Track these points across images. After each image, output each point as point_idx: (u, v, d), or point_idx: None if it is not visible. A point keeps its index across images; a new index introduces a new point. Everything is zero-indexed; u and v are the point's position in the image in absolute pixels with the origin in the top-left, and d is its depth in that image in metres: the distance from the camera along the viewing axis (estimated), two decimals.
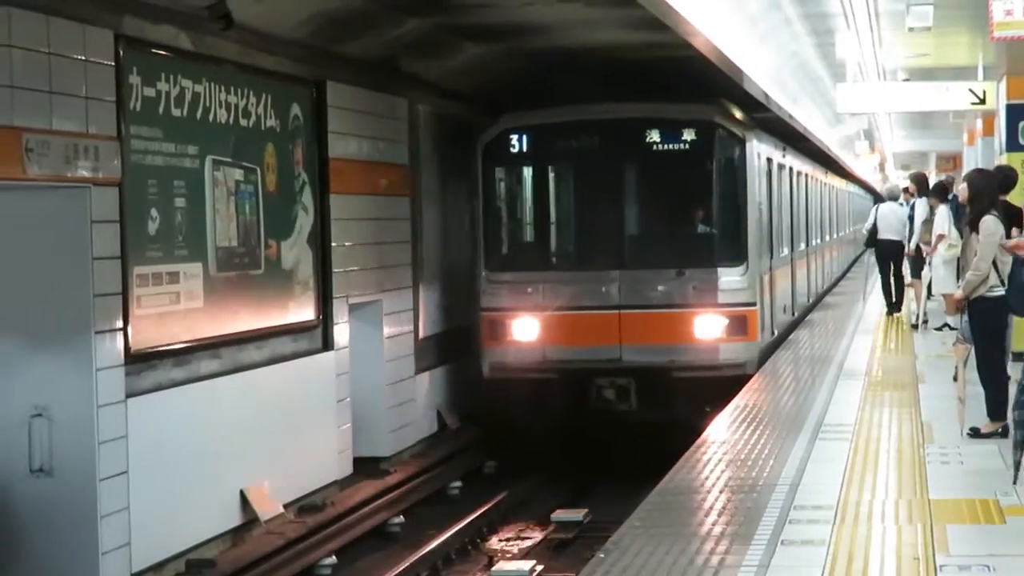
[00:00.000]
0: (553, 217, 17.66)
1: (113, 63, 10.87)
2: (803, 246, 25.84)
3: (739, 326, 16.00)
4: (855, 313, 25.98)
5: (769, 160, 18.78)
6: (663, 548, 8.41)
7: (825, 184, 33.19)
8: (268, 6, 12.49)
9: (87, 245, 10.46)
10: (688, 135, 16.16)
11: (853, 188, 45.26)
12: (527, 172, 17.67)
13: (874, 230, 22.20)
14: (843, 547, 8.79)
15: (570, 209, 17.63)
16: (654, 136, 16.20)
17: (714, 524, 9.14)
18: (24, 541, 10.48)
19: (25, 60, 9.88)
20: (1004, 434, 11.00)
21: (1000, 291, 10.91)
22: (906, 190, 22.28)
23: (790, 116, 21.19)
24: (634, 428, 16.24)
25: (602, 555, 8.35)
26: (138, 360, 11.12)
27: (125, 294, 10.94)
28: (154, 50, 11.63)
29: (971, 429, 11.61)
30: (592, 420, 16.32)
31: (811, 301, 27.27)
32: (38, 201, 10.41)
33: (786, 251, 21.89)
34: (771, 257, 18.77)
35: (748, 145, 16.27)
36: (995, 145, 19.62)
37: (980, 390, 11.83)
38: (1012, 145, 17.40)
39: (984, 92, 19.41)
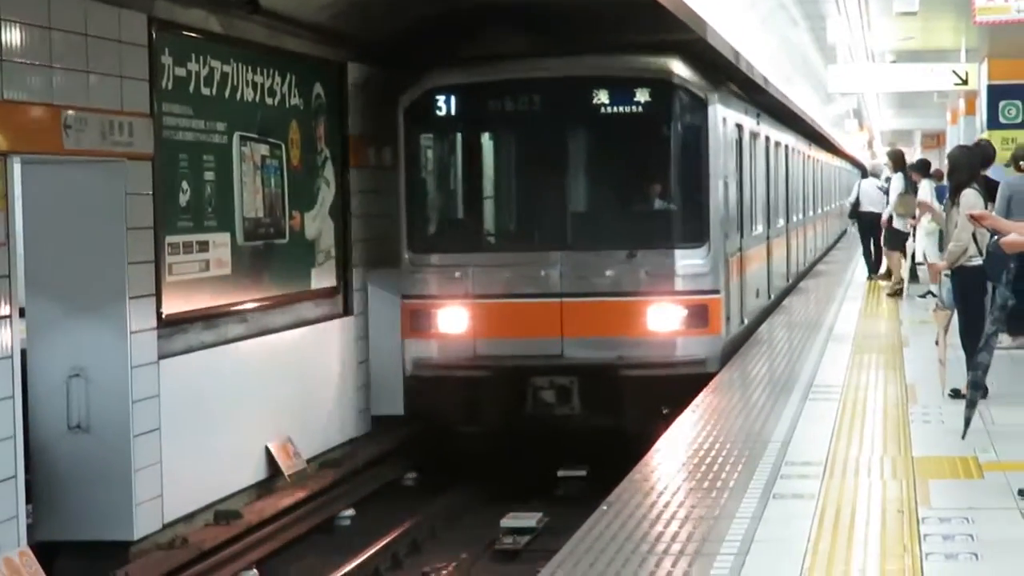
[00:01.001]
0: (485, 191, 14.50)
1: (146, 45, 10.91)
2: (782, 222, 22.59)
3: (699, 317, 13.05)
4: (844, 280, 26.01)
5: (739, 127, 15.90)
6: (663, 500, 8.38)
7: (810, 157, 30.18)
8: None
9: (122, 216, 10.50)
10: (641, 95, 13.02)
11: (839, 163, 43.68)
12: (455, 139, 14.38)
13: (857, 203, 22.77)
14: (831, 500, 8.76)
15: (505, 182, 14.59)
16: (602, 97, 13.10)
17: (710, 479, 9.04)
18: (64, 493, 10.54)
19: (64, 41, 9.90)
20: (984, 394, 11.04)
21: (978, 261, 10.91)
22: None
23: (765, 80, 18.25)
24: (578, 435, 13.52)
25: (604, 507, 8.22)
26: (169, 324, 11.15)
27: (157, 262, 11.00)
28: (185, 32, 11.66)
29: (952, 390, 11.65)
30: (529, 425, 13.37)
31: (791, 281, 23.91)
32: (76, 174, 10.41)
33: (761, 228, 18.90)
34: (741, 236, 15.98)
35: (711, 108, 13.23)
36: (976, 123, 20.12)
37: (961, 354, 11.83)
38: (993, 123, 18.29)
39: (967, 73, 19.84)
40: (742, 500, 8.37)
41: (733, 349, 14.30)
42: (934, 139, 28.55)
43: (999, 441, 10.25)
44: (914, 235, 19.12)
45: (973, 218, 8.22)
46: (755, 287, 17.45)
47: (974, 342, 10.12)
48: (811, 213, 30.05)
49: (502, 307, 13.10)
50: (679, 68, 13.13)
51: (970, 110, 22.29)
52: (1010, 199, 12.20)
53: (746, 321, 15.84)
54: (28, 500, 10.00)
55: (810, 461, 9.72)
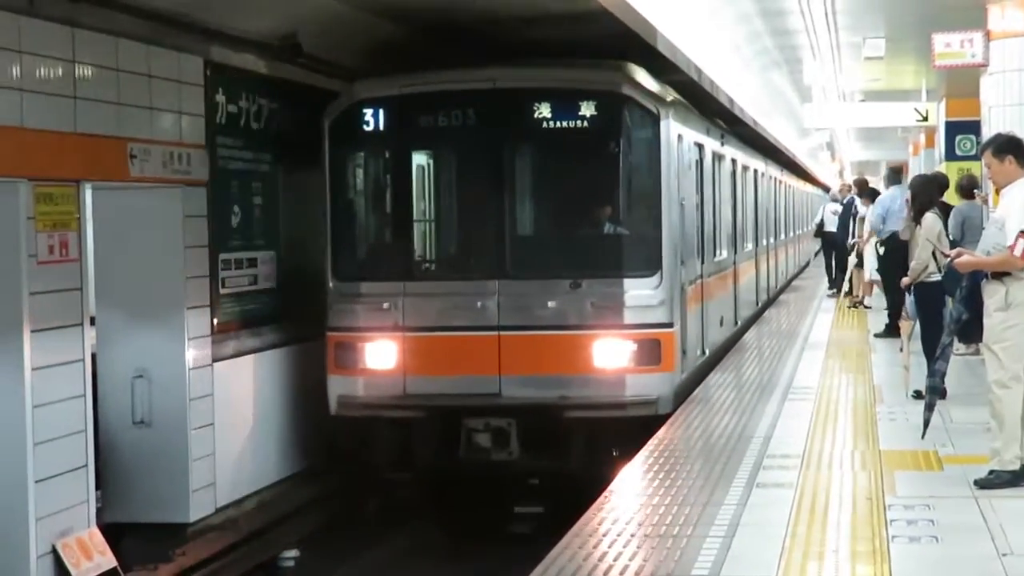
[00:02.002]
0: (416, 214, 12.15)
1: (202, 84, 11.15)
2: (751, 246, 20.26)
3: (651, 352, 10.91)
4: (819, 294, 26.04)
5: (700, 147, 13.80)
6: (662, 488, 8.34)
7: (782, 182, 27.95)
8: (330, 38, 12.46)
9: (180, 236, 10.72)
10: (587, 109, 10.94)
11: (811, 189, 42.96)
12: (384, 157, 11.94)
13: (821, 224, 23.37)
14: (808, 489, 8.81)
15: (438, 203, 12.35)
16: (544, 110, 10.98)
17: (700, 469, 9.04)
18: (128, 480, 10.79)
19: (131, 82, 10.17)
20: (942, 396, 11.19)
21: (937, 277, 11.12)
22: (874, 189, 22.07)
23: (731, 101, 16.30)
24: (518, 482, 11.80)
25: (607, 495, 8.23)
26: (222, 331, 11.31)
27: (212, 276, 11.18)
28: (236, 74, 11.81)
29: (914, 391, 11.66)
30: (465, 471, 11.41)
31: (761, 306, 21.70)
32: (140, 199, 10.67)
33: (726, 253, 16.70)
34: (703, 262, 13.90)
35: (664, 124, 11.08)
36: (935, 155, 20.55)
37: (923, 359, 11.83)
38: (950, 155, 18.76)
39: (927, 111, 20.43)
40: (729, 488, 8.41)
41: (693, 384, 12.38)
42: (898, 169, 29.13)
43: (956, 437, 10.34)
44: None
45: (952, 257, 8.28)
46: (719, 315, 15.43)
47: (933, 349, 10.30)
48: (783, 236, 28.11)
49: (434, 341, 11.04)
50: (628, 79, 11.19)
51: (930, 143, 23.21)
52: (963, 223, 12.54)
53: (707, 352, 13.85)
54: (97, 486, 10.16)
55: (789, 454, 9.75)
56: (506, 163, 11.37)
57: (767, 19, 13.88)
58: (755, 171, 20.83)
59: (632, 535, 7.17)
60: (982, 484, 8.45)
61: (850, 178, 35.71)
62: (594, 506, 7.30)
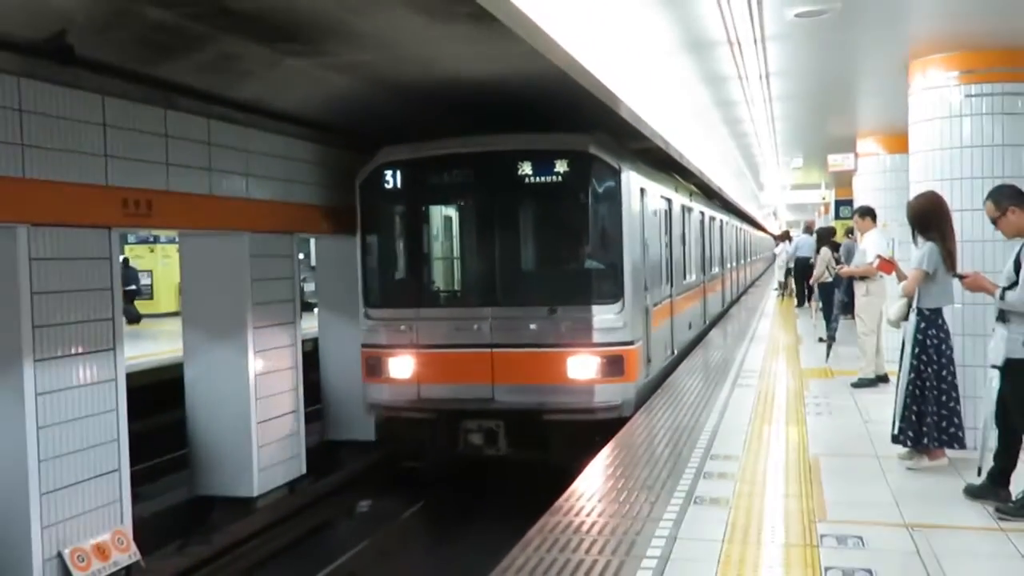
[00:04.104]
0: (427, 254, 13.10)
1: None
2: (718, 269, 23.35)
3: (615, 366, 11.50)
4: (765, 297, 32.22)
5: (668, 200, 15.36)
6: (624, 476, 8.10)
7: (741, 229, 34.20)
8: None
9: (247, 273, 11.52)
10: (560, 166, 11.67)
11: (761, 234, 54.18)
12: (402, 208, 12.77)
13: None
14: (763, 389, 12.26)
15: (443, 245, 13.28)
16: (526, 168, 11.73)
17: (665, 446, 9.21)
18: (209, 463, 11.62)
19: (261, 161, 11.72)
20: (834, 340, 15.32)
21: (830, 279, 17.08)
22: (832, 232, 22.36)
23: (680, 155, 15.91)
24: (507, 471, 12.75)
25: (610, 446, 8.74)
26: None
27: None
28: None
29: (819, 338, 16.68)
30: (464, 462, 12.80)
31: (725, 307, 25.29)
32: (218, 242, 11.46)
33: (695, 277, 18.73)
34: (671, 286, 15.39)
35: (625, 176, 11.77)
36: (830, 217, 28.22)
37: (822, 322, 16.87)
38: (837, 217, 25.71)
39: (825, 195, 28.94)
40: (692, 455, 8.73)
41: (659, 382, 13.32)
42: (810, 225, 35.11)
43: (841, 361, 14.21)
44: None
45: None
46: (688, 321, 17.21)
47: (829, 317, 16.11)
48: (743, 261, 35.28)
49: (441, 356, 11.88)
50: (593, 142, 11.75)
51: (827, 211, 30.91)
52: (845, 252, 17.39)
53: (676, 352, 15.39)
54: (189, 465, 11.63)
55: (752, 370, 13.08)
56: (497, 212, 12.14)
57: (738, 139, 17.18)
58: (721, 221, 25.34)
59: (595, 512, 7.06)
60: (854, 385, 12.47)
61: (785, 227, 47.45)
62: (550, 510, 7.15)
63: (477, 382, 11.70)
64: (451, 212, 13.19)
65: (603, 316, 11.51)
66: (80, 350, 8.81)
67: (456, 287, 12.92)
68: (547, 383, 11.52)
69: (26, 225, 8.20)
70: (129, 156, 9.34)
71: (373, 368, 12.18)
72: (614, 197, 11.71)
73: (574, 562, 5.85)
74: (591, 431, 11.11)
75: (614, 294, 11.62)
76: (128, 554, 9.19)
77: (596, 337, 11.46)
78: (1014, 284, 6.66)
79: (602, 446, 9.27)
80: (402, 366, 11.99)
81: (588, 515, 6.85)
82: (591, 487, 7.66)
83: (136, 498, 9.93)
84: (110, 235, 9.08)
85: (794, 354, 15.46)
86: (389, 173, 12.25)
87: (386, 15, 9.02)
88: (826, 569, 5.60)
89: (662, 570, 5.67)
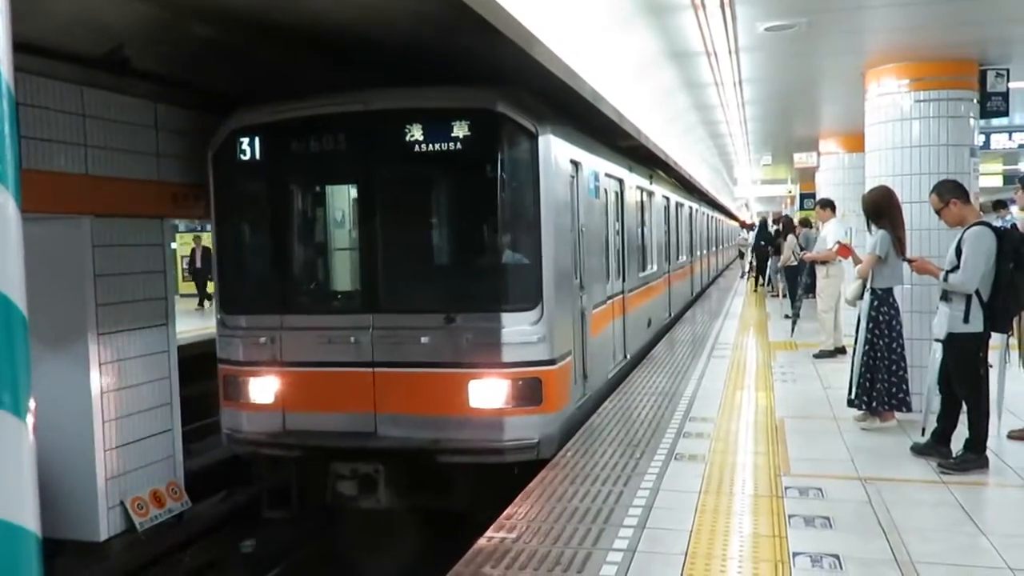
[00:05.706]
0: (292, 244, 9.25)
1: None
2: (685, 257, 20.48)
3: (531, 392, 8.17)
4: (737, 280, 33.03)
5: (620, 180, 12.12)
6: (612, 436, 8.27)
7: (712, 217, 32.64)
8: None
9: None
10: (459, 130, 8.16)
11: (732, 223, 55.02)
12: (261, 186, 9.09)
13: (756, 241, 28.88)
14: (736, 359, 12.64)
15: (312, 233, 9.37)
16: (415, 133, 8.24)
17: (649, 409, 9.28)
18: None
19: None
20: (798, 317, 15.77)
21: (795, 263, 18.38)
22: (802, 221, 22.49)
23: (638, 130, 12.04)
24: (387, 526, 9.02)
25: (570, 454, 7.80)
26: None
27: None
28: None
29: (785, 315, 17.38)
30: (333, 514, 9.24)
31: (696, 293, 23.48)
32: None
33: (656, 267, 15.44)
34: (624, 280, 12.29)
35: (543, 142, 8.26)
36: (796, 208, 29.48)
37: (787, 301, 17.37)
38: (802, 207, 26.64)
39: (791, 190, 30.34)
40: (672, 417, 8.89)
41: (601, 398, 10.37)
42: (780, 214, 36.24)
43: (804, 335, 14.80)
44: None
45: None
46: (647, 317, 14.23)
47: (794, 296, 16.79)
48: (714, 248, 34.47)
49: (310, 376, 8.60)
50: (503, 97, 8.28)
51: (792, 204, 32.01)
52: (806, 240, 18.40)
53: (629, 357, 12.42)
54: None
55: (726, 344, 13.50)
56: (378, 189, 8.76)
57: (715, 140, 17.84)
58: (691, 208, 23.02)
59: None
60: (815, 356, 12.99)
61: (756, 219, 49.62)
62: (548, 464, 6.95)
63: (355, 410, 8.49)
64: (319, 191, 9.48)
65: (515, 327, 8.21)
66: (137, 325, 9.09)
67: (329, 288, 9.43)
68: (442, 413, 8.29)
69: (89, 216, 8.49)
70: None
71: (230, 390, 9.02)
72: (530, 170, 8.29)
73: (571, 509, 6.07)
74: (500, 477, 8.17)
75: (529, 297, 8.29)
76: (181, 502, 9.48)
77: (506, 354, 8.17)
78: (955, 268, 6.92)
79: (517, 493, 6.88)
80: (263, 388, 8.83)
81: (582, 469, 7.07)
82: (583, 447, 7.71)
83: None
84: (162, 224, 9.38)
85: (761, 328, 16.02)
86: (246, 141, 8.94)
87: None
88: (790, 516, 5.86)
89: (646, 517, 5.91)
